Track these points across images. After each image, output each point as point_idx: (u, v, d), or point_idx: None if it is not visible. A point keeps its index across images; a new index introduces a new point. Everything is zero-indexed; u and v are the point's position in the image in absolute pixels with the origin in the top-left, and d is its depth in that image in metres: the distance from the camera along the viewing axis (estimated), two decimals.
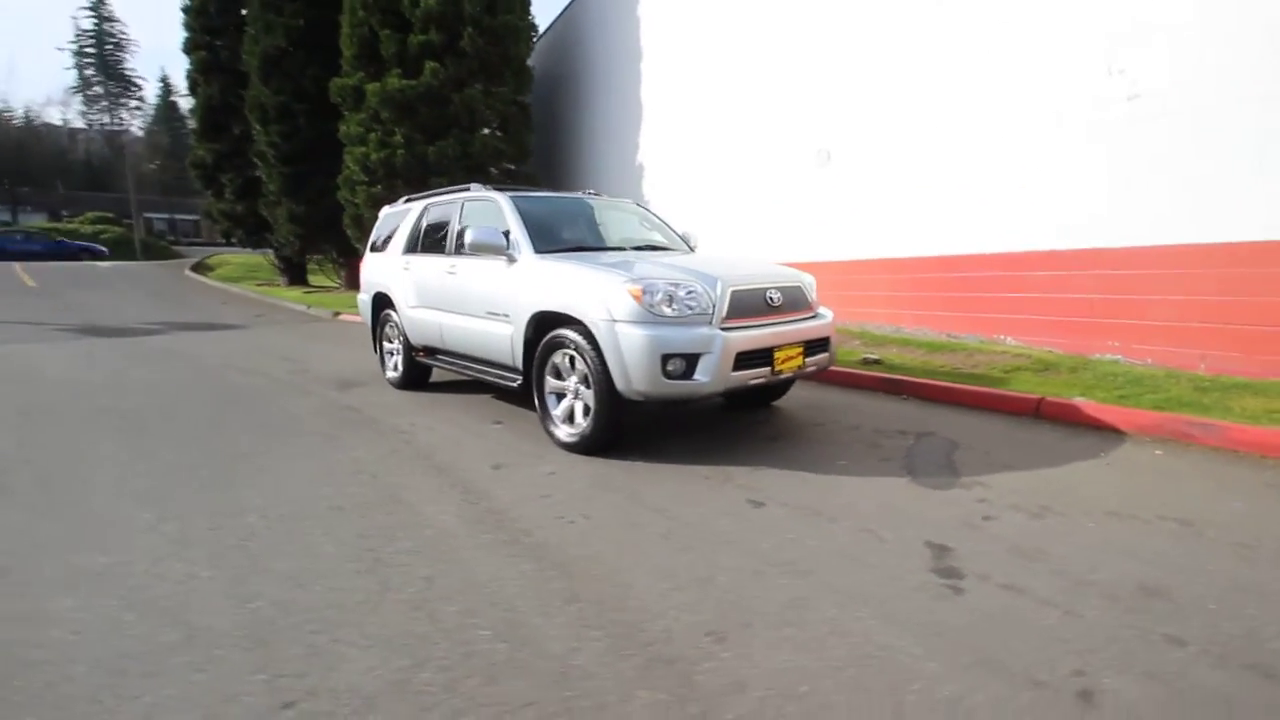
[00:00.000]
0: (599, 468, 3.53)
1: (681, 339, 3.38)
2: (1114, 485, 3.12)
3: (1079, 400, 4.31)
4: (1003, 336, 6.39)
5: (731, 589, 2.22)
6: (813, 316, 4.06)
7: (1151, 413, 3.94)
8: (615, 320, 3.47)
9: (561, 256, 4.21)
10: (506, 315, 4.30)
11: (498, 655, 1.86)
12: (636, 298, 3.45)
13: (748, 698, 1.66)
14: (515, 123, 14.45)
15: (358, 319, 13.47)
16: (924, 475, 3.29)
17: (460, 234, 5.03)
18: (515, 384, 4.30)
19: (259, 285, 19.90)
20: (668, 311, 3.43)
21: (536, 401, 4.06)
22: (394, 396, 5.56)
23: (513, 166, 14.69)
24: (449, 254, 5.07)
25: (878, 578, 2.28)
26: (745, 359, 3.50)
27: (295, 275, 20.60)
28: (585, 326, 3.61)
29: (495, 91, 13.90)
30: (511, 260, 4.31)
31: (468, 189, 5.27)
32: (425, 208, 5.67)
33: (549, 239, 4.44)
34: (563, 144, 15.88)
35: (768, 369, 3.63)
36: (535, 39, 14.98)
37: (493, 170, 14.26)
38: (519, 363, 4.23)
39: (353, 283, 19.03)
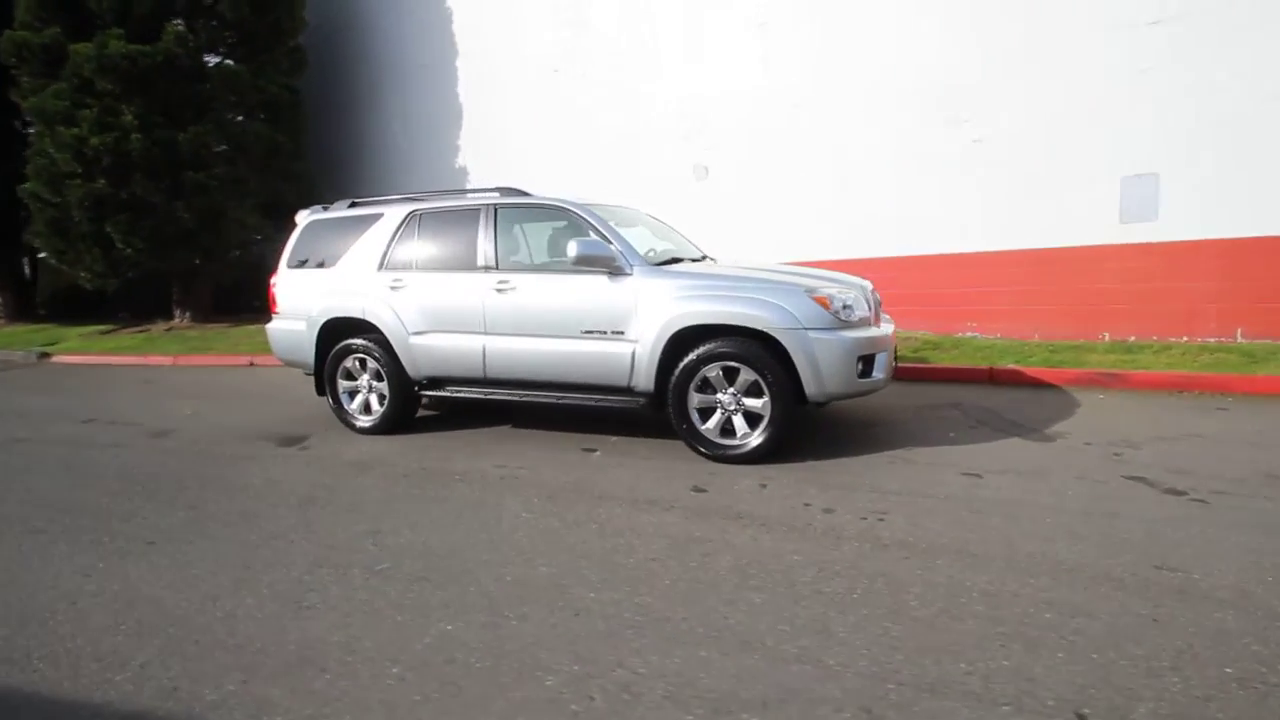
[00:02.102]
0: (796, 473, 3.65)
1: (868, 340, 3.73)
2: (1125, 420, 4.44)
3: (1014, 366, 5.80)
4: None
5: (1096, 534, 2.72)
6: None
7: (1073, 370, 5.55)
8: (807, 328, 3.63)
9: (682, 270, 4.13)
10: (621, 333, 4.03)
11: (1136, 619, 2.07)
12: (825, 305, 3.67)
13: (1229, 580, 2.21)
14: (288, 111, 12.28)
15: (84, 360, 10.03)
16: (1023, 435, 4.20)
17: (496, 247, 4.47)
18: (637, 405, 4.06)
19: None
20: (844, 317, 3.73)
21: (678, 420, 3.92)
22: (398, 445, 4.62)
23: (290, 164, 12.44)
24: (488, 269, 4.44)
25: (1149, 504, 3.02)
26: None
27: None
28: (769, 336, 3.68)
29: (263, 71, 11.60)
30: (618, 274, 4.04)
31: (495, 191, 4.64)
32: (413, 214, 4.79)
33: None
34: (346, 140, 13.95)
35: (895, 362, 4.18)
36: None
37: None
38: (644, 382, 4.00)
39: (21, 313, 13.75)
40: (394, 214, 4.88)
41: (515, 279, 4.35)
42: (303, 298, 5.07)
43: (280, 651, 2.08)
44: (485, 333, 4.44)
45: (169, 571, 2.71)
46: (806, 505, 3.19)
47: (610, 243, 4.08)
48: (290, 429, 5.21)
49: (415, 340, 4.64)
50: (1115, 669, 1.87)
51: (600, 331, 4.11)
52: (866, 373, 3.76)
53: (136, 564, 2.80)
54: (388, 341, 4.72)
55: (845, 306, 3.74)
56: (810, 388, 3.68)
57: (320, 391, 5.14)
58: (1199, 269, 6.07)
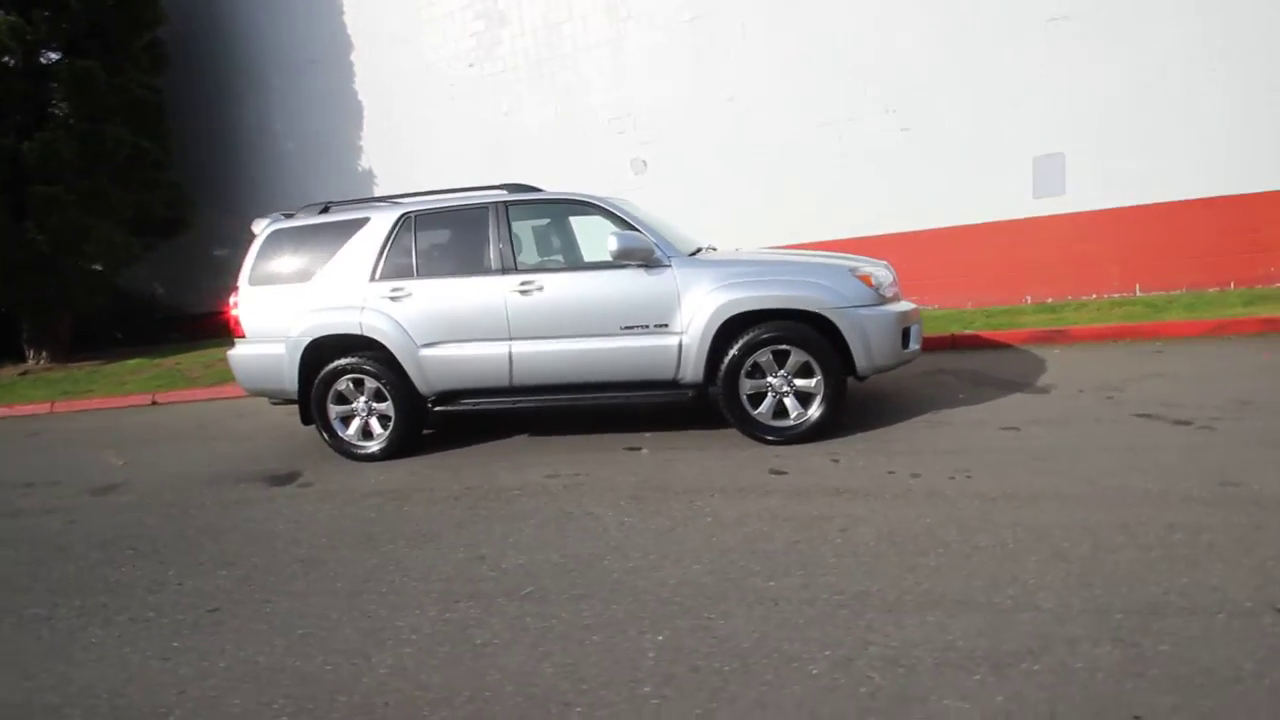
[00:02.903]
0: (854, 445, 3.79)
1: (906, 314, 3.95)
2: (1092, 369, 5.02)
3: (971, 331, 6.37)
4: None
5: (1151, 465, 3.06)
6: None
7: (1022, 330, 6.19)
8: (857, 306, 3.79)
9: (720, 259, 4.16)
10: (665, 325, 3.97)
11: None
12: (868, 283, 3.84)
13: None
14: (151, 113, 10.87)
15: None
16: (1021, 390, 4.63)
17: (512, 247, 4.25)
18: (685, 397, 4.03)
19: None
20: (884, 294, 3.92)
21: (729, 407, 3.94)
22: (416, 468, 4.28)
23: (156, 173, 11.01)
24: (505, 271, 4.20)
25: (1170, 435, 3.46)
26: None
27: None
28: (816, 317, 3.78)
29: (120, 68, 10.16)
30: (657, 266, 3.98)
31: (500, 189, 4.39)
32: (406, 217, 4.41)
33: None
34: (219, 144, 12.59)
35: None
36: None
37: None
38: (692, 373, 3.98)
39: None
40: (382, 218, 4.46)
41: (540, 279, 4.15)
42: (277, 317, 4.51)
43: (500, 695, 1.87)
44: (510, 338, 4.19)
45: (272, 636, 2.34)
46: (891, 473, 3.34)
47: (645, 235, 4.01)
48: (267, 466, 4.64)
49: (426, 353, 4.29)
50: (1269, 568, 2.14)
51: (642, 326, 4.02)
52: (905, 344, 3.99)
53: (221, 635, 2.38)
54: (393, 357, 4.32)
55: (881, 284, 3.94)
56: (861, 363, 3.84)
57: (306, 420, 4.61)
58: (1102, 235, 6.99)
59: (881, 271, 4.03)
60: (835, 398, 3.86)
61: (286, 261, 4.59)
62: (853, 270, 3.89)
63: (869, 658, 1.89)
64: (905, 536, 2.64)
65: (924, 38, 7.45)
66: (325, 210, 4.71)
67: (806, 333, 3.82)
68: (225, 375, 8.69)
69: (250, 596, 2.68)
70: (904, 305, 4.05)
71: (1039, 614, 2.03)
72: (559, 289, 4.13)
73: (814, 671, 1.85)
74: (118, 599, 2.78)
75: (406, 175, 10.59)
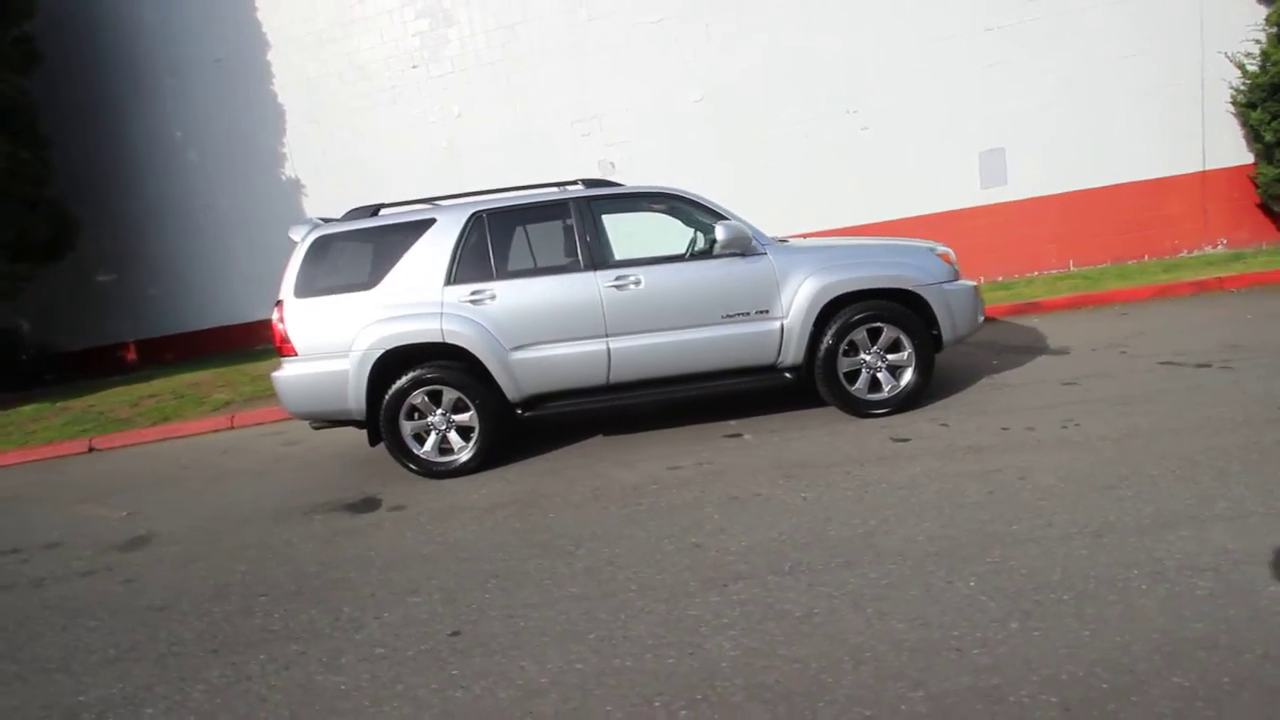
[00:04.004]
0: (946, 410, 4.13)
1: (977, 288, 4.33)
2: (1086, 331, 5.74)
3: None
4: None
5: (1216, 398, 3.64)
6: None
7: (998, 305, 6.92)
8: (941, 283, 4.12)
9: (809, 244, 4.36)
10: (766, 311, 4.10)
11: None
12: (948, 261, 4.18)
13: None
14: (24, 120, 9.41)
15: None
16: (1042, 353, 5.23)
17: (601, 242, 4.22)
18: (785, 380, 4.17)
19: None
20: (957, 269, 4.29)
21: (829, 387, 4.14)
22: (511, 478, 4.10)
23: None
24: (595, 267, 4.13)
25: (1202, 377, 4.10)
26: None
27: None
28: (912, 294, 4.09)
29: None
30: (754, 254, 4.10)
31: (578, 184, 4.31)
32: (478, 216, 4.21)
33: None
34: (104, 156, 11.09)
35: None
36: None
37: None
38: (793, 356, 4.14)
39: None
40: (451, 218, 4.22)
41: (635, 273, 4.12)
42: (337, 330, 4.12)
43: (879, 653, 1.92)
44: (606, 335, 4.12)
45: (563, 645, 2.19)
46: (1005, 429, 3.68)
47: (743, 224, 4.12)
48: (328, 496, 4.21)
49: (517, 356, 4.11)
50: None
51: (743, 313, 4.12)
52: (978, 315, 4.39)
53: (496, 655, 2.20)
54: (478, 363, 4.10)
55: (953, 259, 4.32)
56: (947, 334, 4.19)
57: (374, 441, 4.25)
58: (1040, 219, 7.98)
59: (950, 251, 4.42)
60: (926, 368, 4.18)
61: (340, 269, 4.21)
62: (932, 249, 4.24)
63: (1173, 570, 2.14)
64: (1081, 476, 2.95)
65: (880, 43, 8.14)
66: (376, 214, 4.37)
67: (900, 310, 4.11)
68: (163, 413, 7.73)
69: (480, 615, 2.49)
70: (973, 280, 4.46)
71: (1261, 517, 2.39)
72: (659, 282, 4.12)
73: (1142, 587, 2.07)
74: (314, 645, 2.46)
75: (344, 182, 9.92)
